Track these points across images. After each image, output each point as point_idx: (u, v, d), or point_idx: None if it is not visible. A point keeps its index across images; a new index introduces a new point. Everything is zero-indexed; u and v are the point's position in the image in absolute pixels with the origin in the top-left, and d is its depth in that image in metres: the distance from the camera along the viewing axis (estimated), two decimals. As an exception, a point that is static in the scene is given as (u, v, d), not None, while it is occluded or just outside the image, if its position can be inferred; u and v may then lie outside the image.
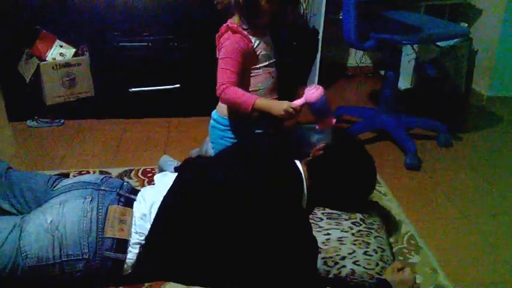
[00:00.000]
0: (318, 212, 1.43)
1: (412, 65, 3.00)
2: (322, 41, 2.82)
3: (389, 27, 2.22)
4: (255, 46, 1.66)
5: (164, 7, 2.33)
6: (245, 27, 1.64)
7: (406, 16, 2.36)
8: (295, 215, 1.29)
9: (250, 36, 1.65)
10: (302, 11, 3.08)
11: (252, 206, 1.26)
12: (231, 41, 1.62)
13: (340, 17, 2.16)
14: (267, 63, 1.72)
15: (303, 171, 1.40)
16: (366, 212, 1.47)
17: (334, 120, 1.59)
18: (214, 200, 1.28)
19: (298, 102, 1.55)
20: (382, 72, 2.43)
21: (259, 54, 1.68)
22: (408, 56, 2.95)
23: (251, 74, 1.70)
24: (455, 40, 2.73)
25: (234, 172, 1.35)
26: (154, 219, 1.27)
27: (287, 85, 2.87)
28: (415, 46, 2.87)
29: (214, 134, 1.80)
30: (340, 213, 1.43)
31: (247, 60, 1.65)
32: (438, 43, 2.76)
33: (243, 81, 1.66)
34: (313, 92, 1.53)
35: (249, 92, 1.68)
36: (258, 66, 1.70)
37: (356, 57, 3.36)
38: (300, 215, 1.32)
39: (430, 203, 1.88)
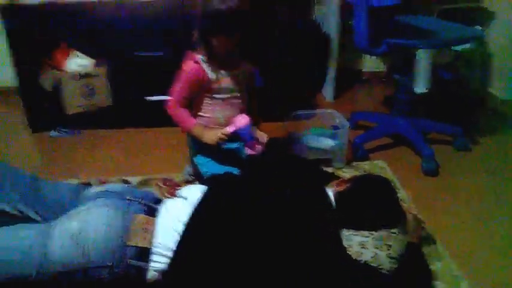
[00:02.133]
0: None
1: (427, 68, 2.99)
2: (336, 48, 2.83)
3: (402, 32, 2.23)
4: (212, 78, 1.73)
5: (179, 18, 2.37)
6: (205, 59, 1.72)
7: (419, 20, 2.36)
8: (327, 234, 1.31)
9: (207, 68, 1.73)
10: (315, 17, 3.10)
11: (283, 226, 1.28)
12: (185, 68, 1.75)
13: (353, 23, 2.18)
14: (228, 95, 1.79)
15: (333, 198, 1.42)
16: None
17: (258, 146, 1.78)
18: (244, 220, 1.30)
19: (228, 129, 1.74)
20: (397, 77, 2.44)
21: (218, 86, 1.75)
22: (423, 60, 2.94)
23: (209, 102, 1.79)
24: (469, 44, 2.72)
25: (266, 193, 1.38)
26: (182, 234, 1.28)
27: (303, 91, 2.91)
28: (429, 50, 2.86)
29: (193, 151, 1.92)
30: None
31: (199, 89, 1.76)
32: (453, 47, 2.76)
33: (196, 105, 1.81)
34: (240, 120, 1.73)
35: (209, 118, 1.81)
36: (216, 96, 1.78)
37: (370, 63, 3.37)
38: (331, 233, 1.34)
39: (448, 208, 1.88)
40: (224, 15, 1.59)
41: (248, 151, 1.76)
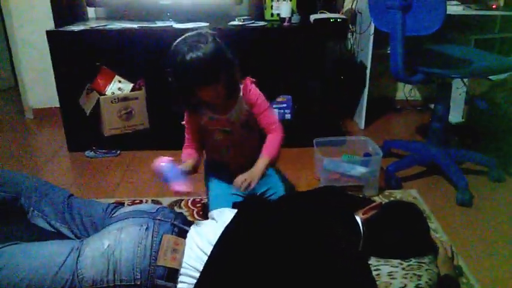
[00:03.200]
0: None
1: (463, 98, 2.96)
2: (369, 75, 2.84)
3: (438, 61, 2.22)
4: (205, 122, 1.77)
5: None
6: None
7: (455, 50, 2.35)
8: (355, 259, 1.30)
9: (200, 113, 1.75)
10: (350, 46, 3.13)
11: (311, 254, 1.27)
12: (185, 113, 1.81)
13: (388, 52, 2.18)
14: (222, 137, 1.80)
15: (361, 224, 1.41)
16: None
17: (185, 186, 1.58)
18: (274, 245, 1.29)
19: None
20: (432, 106, 2.41)
21: (212, 129, 1.78)
22: (458, 90, 2.91)
23: (209, 141, 1.85)
24: (506, 74, 2.67)
25: (296, 219, 1.38)
26: (210, 256, 1.29)
27: (335, 118, 2.92)
28: (465, 80, 2.83)
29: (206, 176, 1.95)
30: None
31: (199, 129, 1.81)
32: (489, 77, 2.72)
33: (205, 140, 1.87)
34: (157, 160, 1.64)
35: (213, 154, 1.91)
36: (213, 137, 1.81)
37: (405, 91, 3.35)
38: (359, 259, 1.32)
39: (482, 239, 1.83)
40: (192, 68, 1.51)
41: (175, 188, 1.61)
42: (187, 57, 1.50)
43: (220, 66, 1.55)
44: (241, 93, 1.73)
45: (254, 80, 1.76)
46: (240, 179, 1.67)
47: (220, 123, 1.77)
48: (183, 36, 1.59)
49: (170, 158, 1.64)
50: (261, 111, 1.76)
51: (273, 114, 1.83)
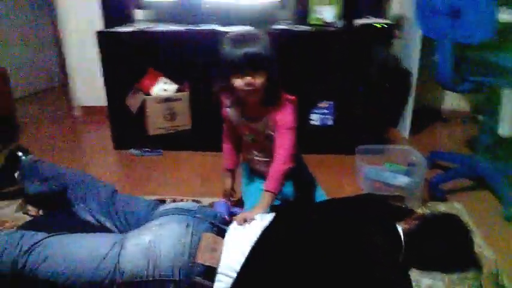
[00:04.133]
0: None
1: (513, 110, 2.84)
2: (415, 83, 2.78)
3: (488, 69, 2.15)
4: (233, 122, 1.79)
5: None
6: (230, 105, 1.75)
7: (506, 59, 2.26)
8: (395, 269, 1.27)
9: (232, 114, 1.76)
10: (396, 52, 3.07)
11: (349, 262, 1.26)
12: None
13: (435, 59, 2.13)
14: (251, 141, 1.81)
15: (402, 235, 1.37)
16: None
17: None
18: (312, 249, 1.29)
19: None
20: (481, 117, 2.33)
21: (242, 131, 1.80)
22: (509, 100, 2.80)
23: (243, 140, 1.86)
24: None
25: (335, 226, 1.36)
26: (248, 256, 1.30)
27: (378, 126, 2.87)
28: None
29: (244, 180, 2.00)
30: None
31: (231, 124, 1.83)
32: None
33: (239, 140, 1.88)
34: (217, 204, 1.76)
35: (247, 153, 1.89)
36: (244, 138, 1.84)
37: (452, 101, 3.26)
38: (399, 268, 1.29)
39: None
40: (241, 58, 1.51)
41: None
42: (246, 34, 1.58)
43: (270, 57, 1.56)
44: (276, 105, 1.67)
45: (294, 98, 1.70)
46: (240, 217, 1.50)
47: (247, 128, 1.77)
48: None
49: (223, 201, 1.80)
50: (279, 134, 1.68)
51: (287, 141, 1.68)
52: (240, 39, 1.55)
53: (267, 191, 1.64)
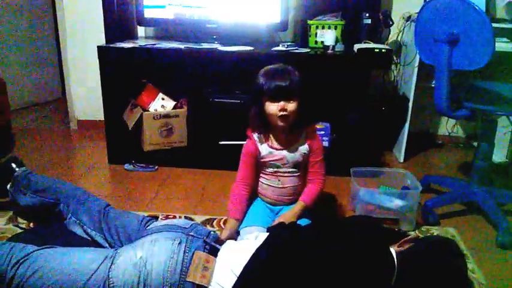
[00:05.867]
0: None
1: (508, 137, 2.87)
2: (412, 108, 2.80)
3: (483, 97, 2.17)
4: (262, 153, 1.87)
5: (257, 68, 2.48)
6: (258, 135, 1.87)
7: (502, 87, 2.29)
8: None
9: (259, 143, 1.87)
10: (393, 77, 3.10)
11: (340, 284, 1.25)
12: (244, 144, 1.92)
13: (432, 85, 2.15)
14: (273, 170, 1.90)
15: (395, 257, 1.37)
16: None
17: None
18: (303, 273, 1.28)
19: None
20: (475, 144, 2.34)
21: (267, 161, 1.88)
22: (504, 128, 2.83)
23: (261, 174, 1.94)
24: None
25: (327, 247, 1.36)
26: (239, 276, 1.29)
27: (374, 149, 2.88)
28: (511, 117, 2.75)
29: None
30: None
31: (256, 161, 1.90)
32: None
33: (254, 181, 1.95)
34: None
35: (261, 185, 1.95)
36: (265, 170, 1.91)
37: (447, 127, 3.28)
38: None
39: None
40: (275, 87, 1.72)
41: None
42: (280, 68, 1.78)
43: (301, 88, 1.76)
44: (306, 134, 1.88)
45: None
46: (280, 220, 1.79)
47: (276, 157, 1.87)
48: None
49: None
50: (316, 160, 1.91)
51: (323, 168, 1.95)
52: (274, 73, 1.75)
53: (301, 202, 1.88)
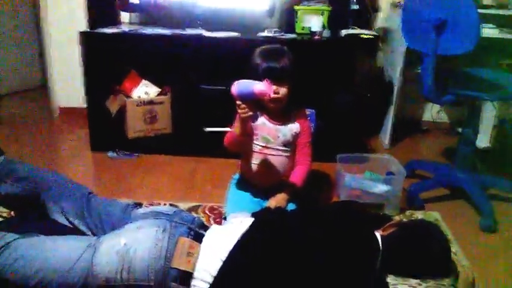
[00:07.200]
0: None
1: (491, 123, 2.89)
2: (397, 94, 2.80)
3: (469, 83, 2.18)
4: (256, 123, 1.87)
5: (245, 56, 2.46)
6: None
7: (487, 73, 2.30)
8: (372, 277, 1.27)
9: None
10: (379, 63, 3.10)
11: (326, 268, 1.25)
12: None
13: (418, 71, 2.15)
14: (262, 146, 1.90)
15: (380, 241, 1.37)
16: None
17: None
18: (289, 257, 1.28)
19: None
20: (459, 130, 2.36)
21: (257, 133, 1.89)
22: (487, 114, 2.85)
23: (253, 145, 1.92)
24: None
25: (313, 232, 1.35)
26: (225, 261, 1.28)
27: (359, 135, 2.88)
28: (495, 103, 2.77)
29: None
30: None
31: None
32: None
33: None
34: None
35: (247, 160, 1.95)
36: (254, 142, 1.91)
37: (432, 113, 3.30)
38: (376, 276, 1.29)
39: (505, 267, 1.77)
40: (268, 69, 1.75)
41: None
42: (275, 49, 1.83)
43: (292, 71, 1.78)
44: (296, 115, 1.92)
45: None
46: (272, 203, 1.82)
47: (269, 129, 1.88)
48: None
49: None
50: (306, 142, 1.95)
51: (311, 149, 1.97)
52: (268, 54, 1.79)
53: (292, 183, 1.89)
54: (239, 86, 1.60)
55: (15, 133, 3.04)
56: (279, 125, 1.89)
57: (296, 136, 1.92)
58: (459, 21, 1.85)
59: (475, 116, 2.19)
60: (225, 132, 1.90)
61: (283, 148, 1.91)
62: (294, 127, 1.91)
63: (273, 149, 1.90)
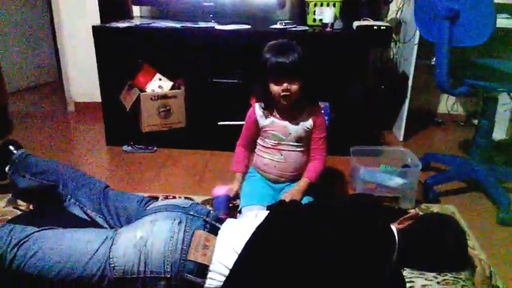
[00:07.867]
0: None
1: (508, 114, 2.86)
2: (411, 86, 2.78)
3: (484, 74, 2.15)
4: (262, 124, 1.89)
5: (255, 47, 2.45)
6: (262, 106, 1.89)
7: (503, 64, 2.27)
8: (389, 270, 1.26)
9: (259, 114, 1.89)
10: (392, 55, 3.07)
11: (342, 260, 1.25)
12: (248, 112, 1.94)
13: (432, 63, 2.13)
14: (275, 142, 1.89)
15: (396, 235, 1.36)
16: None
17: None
18: (305, 250, 1.28)
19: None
20: (475, 122, 2.32)
21: (267, 131, 1.89)
22: (504, 105, 2.81)
23: (260, 143, 1.95)
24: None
25: (329, 225, 1.35)
26: (240, 254, 1.28)
27: (373, 128, 2.87)
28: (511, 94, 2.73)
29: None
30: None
31: (256, 131, 1.93)
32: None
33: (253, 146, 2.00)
34: (217, 190, 1.87)
35: (257, 158, 1.98)
36: (265, 141, 1.92)
37: (447, 105, 3.26)
38: (393, 270, 1.28)
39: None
40: (277, 65, 1.72)
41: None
42: (284, 44, 1.77)
43: (305, 67, 1.74)
44: (310, 111, 1.88)
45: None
46: (287, 196, 1.81)
47: (278, 127, 1.87)
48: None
49: (226, 188, 1.88)
50: (320, 137, 1.92)
51: (326, 145, 1.95)
52: (277, 49, 1.74)
53: (306, 178, 1.88)
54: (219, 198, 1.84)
55: (32, 127, 3.08)
56: (290, 122, 1.87)
57: (309, 131, 1.90)
58: (473, 11, 1.82)
59: (491, 108, 2.16)
60: (238, 126, 1.92)
61: (296, 144, 1.90)
62: (306, 123, 1.88)
63: (286, 144, 1.89)
